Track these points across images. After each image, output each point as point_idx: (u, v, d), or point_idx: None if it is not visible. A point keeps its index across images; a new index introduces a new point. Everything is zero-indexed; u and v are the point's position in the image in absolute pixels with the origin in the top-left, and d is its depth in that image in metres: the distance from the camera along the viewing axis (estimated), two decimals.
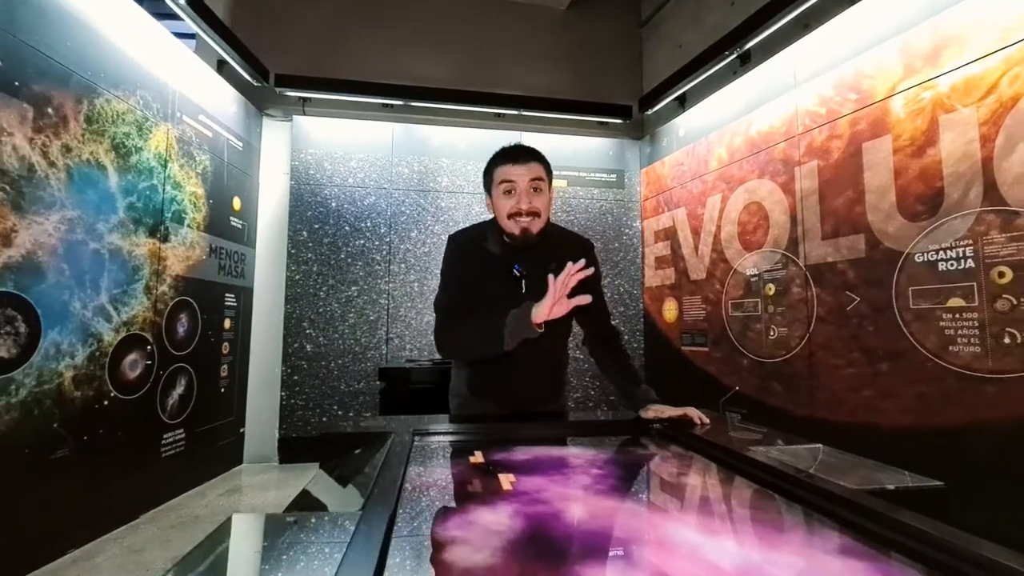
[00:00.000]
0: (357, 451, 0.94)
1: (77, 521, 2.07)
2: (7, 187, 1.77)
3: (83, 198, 2.10)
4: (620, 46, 4.28)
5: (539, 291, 1.18)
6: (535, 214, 1.25)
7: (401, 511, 0.62)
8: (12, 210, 1.79)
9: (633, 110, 3.94)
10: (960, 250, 1.90)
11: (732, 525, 0.64)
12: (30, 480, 1.86)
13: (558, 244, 1.37)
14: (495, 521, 0.64)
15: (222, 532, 0.50)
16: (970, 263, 1.87)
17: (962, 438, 1.87)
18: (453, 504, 0.73)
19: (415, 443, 1.03)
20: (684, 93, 3.60)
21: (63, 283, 2.00)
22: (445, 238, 1.47)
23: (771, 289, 2.75)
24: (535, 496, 0.74)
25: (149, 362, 2.48)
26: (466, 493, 0.77)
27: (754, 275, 2.87)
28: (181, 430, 2.74)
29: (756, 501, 0.70)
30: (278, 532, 0.51)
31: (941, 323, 1.95)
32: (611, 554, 0.55)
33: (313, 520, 0.56)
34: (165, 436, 2.62)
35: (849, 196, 2.33)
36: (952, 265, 1.93)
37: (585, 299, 1.12)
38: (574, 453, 1.03)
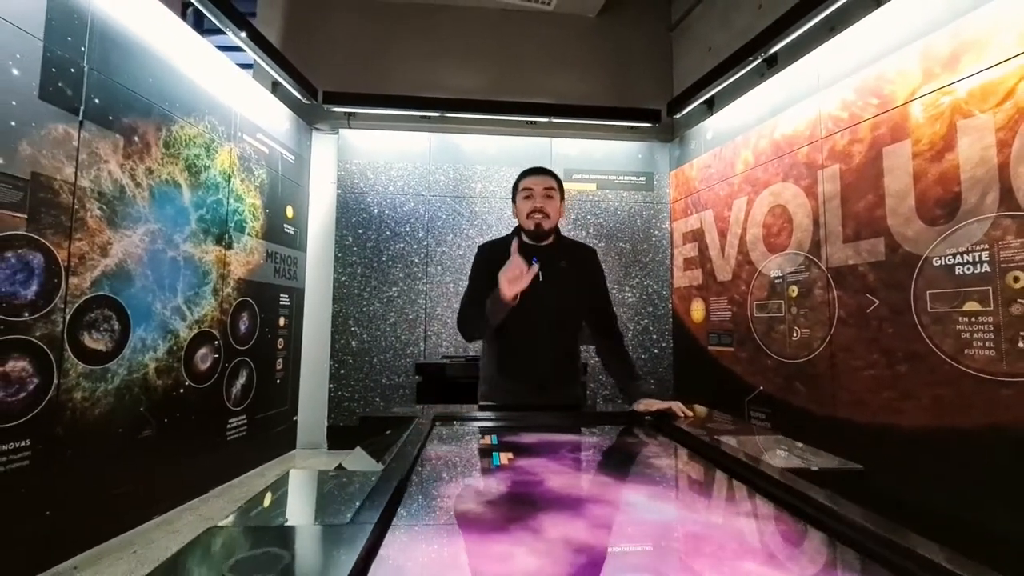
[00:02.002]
0: (388, 432, 1.14)
1: (159, 492, 2.40)
2: (104, 207, 2.10)
3: (162, 213, 2.42)
4: (650, 50, 4.35)
5: (551, 281, 1.49)
6: (546, 214, 1.54)
7: (414, 474, 0.81)
8: (108, 226, 2.12)
9: (662, 114, 4.01)
10: (976, 254, 1.92)
11: (675, 493, 0.79)
12: (123, 456, 2.19)
13: (567, 249, 1.64)
14: (487, 484, 0.81)
15: (282, 480, 0.70)
16: (986, 267, 1.89)
17: (980, 441, 1.90)
18: (457, 470, 0.91)
19: (436, 426, 1.22)
20: (713, 96, 3.64)
21: (147, 287, 2.33)
22: (479, 241, 1.79)
23: (794, 291, 2.79)
24: (525, 469, 0.91)
25: (216, 355, 2.80)
26: (469, 464, 0.95)
27: (778, 277, 2.91)
28: (243, 417, 3.07)
29: (703, 477, 0.84)
30: (324, 481, 0.71)
31: (958, 326, 1.98)
32: (567, 509, 0.71)
33: (348, 475, 0.75)
34: (230, 422, 2.95)
35: (870, 200, 2.35)
36: (969, 269, 1.95)
37: (533, 269, 1.35)
38: (570, 439, 1.19)
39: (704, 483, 0.83)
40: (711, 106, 3.69)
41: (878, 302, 2.30)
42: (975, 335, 1.92)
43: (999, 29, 1.89)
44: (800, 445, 0.92)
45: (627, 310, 3.97)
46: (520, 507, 0.72)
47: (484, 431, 1.21)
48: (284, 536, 0.51)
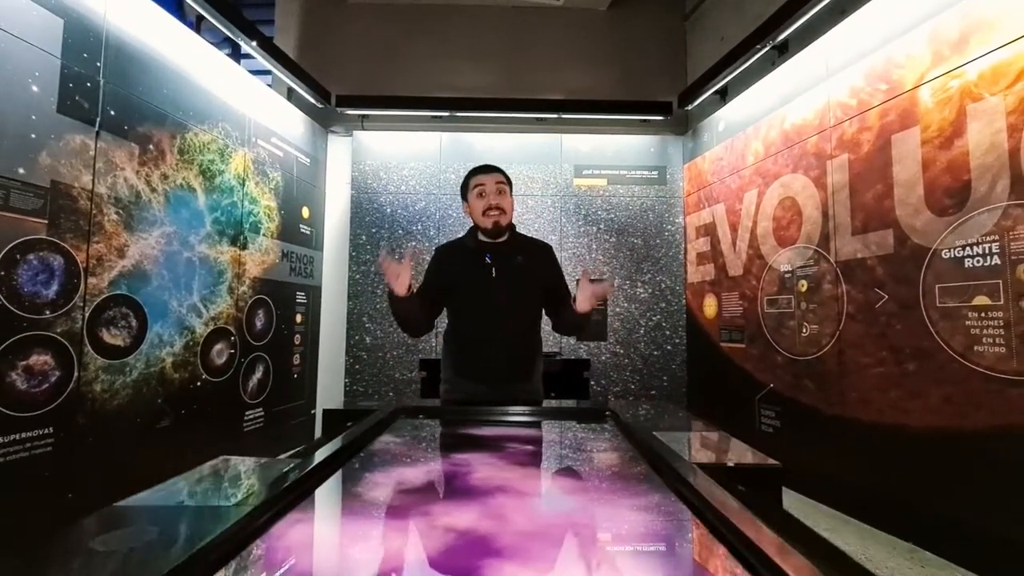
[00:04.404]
0: (349, 424, 1.19)
1: None
2: (121, 211, 2.24)
3: (178, 216, 2.56)
4: (664, 41, 4.27)
5: (506, 277, 1.53)
6: (501, 210, 1.56)
7: (347, 463, 0.85)
8: (124, 229, 2.26)
9: (673, 106, 3.93)
10: (986, 246, 1.82)
11: (592, 485, 0.79)
12: (141, 445, 2.33)
13: (522, 245, 1.66)
14: (411, 474, 0.84)
15: (207, 466, 0.76)
16: (996, 260, 1.79)
17: (988, 443, 1.80)
18: (394, 459, 0.95)
19: (401, 419, 1.26)
20: (725, 86, 3.55)
21: (164, 286, 2.47)
22: None
23: (803, 286, 2.70)
24: (458, 461, 0.94)
25: (232, 351, 2.94)
26: (409, 454, 0.98)
27: (788, 271, 2.82)
28: (260, 409, 3.21)
29: (627, 471, 0.85)
30: (245, 468, 0.76)
31: (967, 322, 1.88)
32: (472, 499, 0.73)
33: (270, 464, 0.80)
34: (246, 414, 3.09)
35: (878, 190, 2.26)
36: (978, 262, 1.85)
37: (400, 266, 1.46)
38: (526, 433, 1.21)
39: (627, 478, 0.84)
40: (724, 96, 3.59)
41: (887, 297, 2.21)
42: (984, 331, 1.82)
43: (1010, 7, 1.77)
44: (735, 441, 0.91)
45: (639, 306, 3.92)
46: (429, 496, 0.75)
47: (446, 424, 1.25)
48: (167, 515, 0.55)
